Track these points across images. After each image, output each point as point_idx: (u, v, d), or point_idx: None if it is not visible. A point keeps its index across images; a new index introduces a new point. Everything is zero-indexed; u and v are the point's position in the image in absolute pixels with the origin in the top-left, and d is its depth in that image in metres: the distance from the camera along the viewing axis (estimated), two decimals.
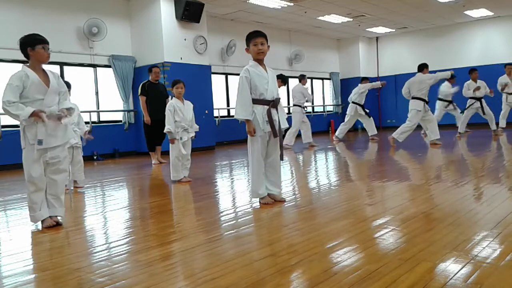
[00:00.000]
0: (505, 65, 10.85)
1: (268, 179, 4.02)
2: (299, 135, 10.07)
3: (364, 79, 11.26)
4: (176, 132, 5.54)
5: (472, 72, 10.35)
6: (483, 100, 10.19)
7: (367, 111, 10.89)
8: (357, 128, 14.88)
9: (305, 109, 10.12)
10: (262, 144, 3.92)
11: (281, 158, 4.04)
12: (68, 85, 5.45)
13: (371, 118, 11.01)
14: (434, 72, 9.14)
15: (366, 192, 4.52)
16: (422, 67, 8.72)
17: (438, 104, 10.90)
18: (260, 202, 3.97)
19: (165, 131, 5.56)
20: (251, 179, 4.01)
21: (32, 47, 3.41)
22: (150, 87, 7.88)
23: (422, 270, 2.14)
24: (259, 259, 2.46)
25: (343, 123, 11.15)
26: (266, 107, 3.88)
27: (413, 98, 8.56)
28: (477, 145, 8.75)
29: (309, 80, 15.66)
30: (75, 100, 5.17)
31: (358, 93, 10.75)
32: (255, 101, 3.87)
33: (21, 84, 3.32)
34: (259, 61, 3.97)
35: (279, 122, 3.96)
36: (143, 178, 6.58)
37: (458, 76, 11.09)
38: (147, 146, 8.19)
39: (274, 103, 3.92)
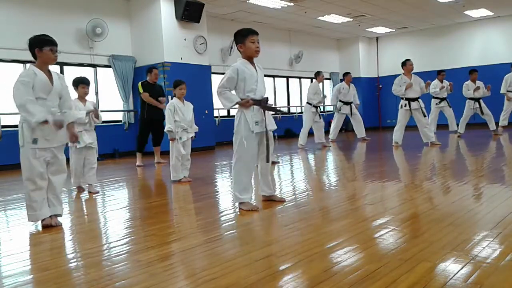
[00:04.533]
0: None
1: (262, 180, 3.96)
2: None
3: (346, 74, 11.12)
4: (175, 132, 5.55)
5: (472, 72, 10.36)
6: (481, 100, 10.22)
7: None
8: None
9: (319, 108, 9.95)
10: (252, 146, 3.74)
11: (267, 161, 3.83)
12: (87, 82, 5.25)
13: (361, 120, 11.00)
14: (430, 72, 9.15)
15: (366, 192, 4.52)
16: (402, 65, 8.75)
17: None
18: (240, 208, 3.76)
19: (165, 130, 5.57)
20: (233, 182, 3.81)
21: (40, 48, 3.42)
22: (148, 88, 7.83)
23: (422, 270, 2.14)
24: (259, 259, 2.46)
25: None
26: (256, 107, 3.72)
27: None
28: (477, 145, 8.75)
29: (309, 80, 15.69)
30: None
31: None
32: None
33: (32, 81, 3.34)
34: (251, 59, 3.80)
35: (265, 123, 3.78)
36: (143, 178, 6.59)
37: (458, 76, 11.11)
38: (137, 146, 7.99)
39: (261, 102, 3.75)
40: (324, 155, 8.44)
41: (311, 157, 8.32)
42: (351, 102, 10.78)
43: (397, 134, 8.89)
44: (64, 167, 3.62)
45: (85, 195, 5.00)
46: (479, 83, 10.24)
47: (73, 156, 5.19)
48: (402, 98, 8.67)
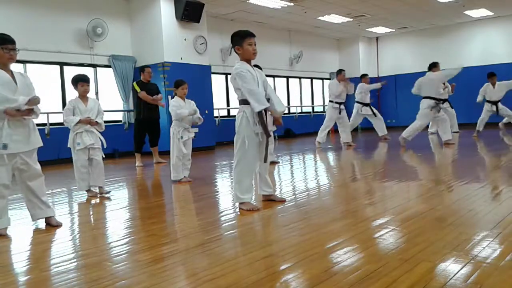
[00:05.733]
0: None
1: (261, 180, 3.97)
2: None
3: (364, 76, 11.19)
4: (177, 131, 5.55)
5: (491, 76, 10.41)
6: (499, 103, 10.26)
7: (374, 110, 10.85)
8: (357, 128, 14.87)
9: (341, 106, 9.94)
10: (254, 146, 3.75)
11: (265, 160, 3.86)
12: (86, 79, 4.99)
13: (381, 117, 11.00)
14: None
15: (366, 192, 4.52)
16: (431, 67, 8.63)
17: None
18: (240, 208, 3.76)
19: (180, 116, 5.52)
20: (235, 182, 3.82)
21: None
22: (142, 87, 7.74)
23: (422, 270, 2.14)
24: (259, 259, 2.46)
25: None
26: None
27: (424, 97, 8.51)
28: (479, 145, 8.74)
29: (309, 80, 15.71)
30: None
31: (358, 93, 10.77)
32: (245, 102, 3.73)
33: None
34: (248, 61, 3.79)
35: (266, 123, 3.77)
36: (143, 178, 6.58)
37: (458, 76, 11.09)
38: (134, 146, 7.93)
39: None
40: (324, 155, 8.44)
41: (310, 157, 8.32)
42: (369, 103, 10.86)
43: (413, 132, 8.58)
44: (38, 172, 3.48)
45: (84, 196, 4.99)
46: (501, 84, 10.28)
47: (75, 159, 4.89)
48: (428, 98, 8.37)
